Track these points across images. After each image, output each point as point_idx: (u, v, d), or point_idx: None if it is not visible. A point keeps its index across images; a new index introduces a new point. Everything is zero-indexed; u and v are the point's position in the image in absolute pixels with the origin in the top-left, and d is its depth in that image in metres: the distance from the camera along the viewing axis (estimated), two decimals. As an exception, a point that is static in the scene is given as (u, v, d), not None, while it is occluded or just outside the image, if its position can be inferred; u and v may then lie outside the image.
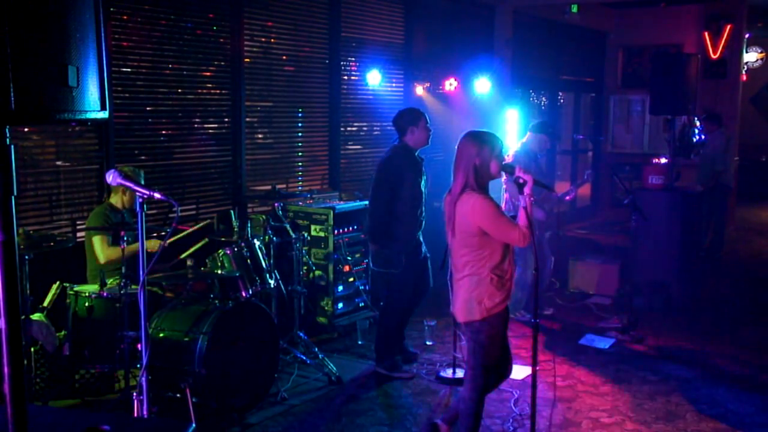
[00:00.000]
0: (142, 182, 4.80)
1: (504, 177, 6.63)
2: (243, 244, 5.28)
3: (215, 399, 4.61)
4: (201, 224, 5.46)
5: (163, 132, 6.17)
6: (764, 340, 6.65)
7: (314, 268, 6.40)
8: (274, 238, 5.73)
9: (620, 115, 12.99)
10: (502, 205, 7.02)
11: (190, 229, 5.44)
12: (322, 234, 6.42)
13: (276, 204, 5.97)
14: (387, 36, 8.30)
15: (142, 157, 5.96)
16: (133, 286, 4.54)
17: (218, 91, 6.55)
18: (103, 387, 4.89)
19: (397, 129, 5.56)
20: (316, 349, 5.68)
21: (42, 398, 4.66)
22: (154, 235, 5.18)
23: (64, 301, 4.76)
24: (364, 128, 8.34)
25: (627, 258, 7.85)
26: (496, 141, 3.91)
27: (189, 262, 4.88)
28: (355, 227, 6.66)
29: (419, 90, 8.53)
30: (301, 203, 6.60)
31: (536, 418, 4.08)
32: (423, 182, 5.54)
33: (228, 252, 5.19)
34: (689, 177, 10.11)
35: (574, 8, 10.72)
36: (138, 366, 4.39)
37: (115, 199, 5.13)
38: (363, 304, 6.71)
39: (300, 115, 7.42)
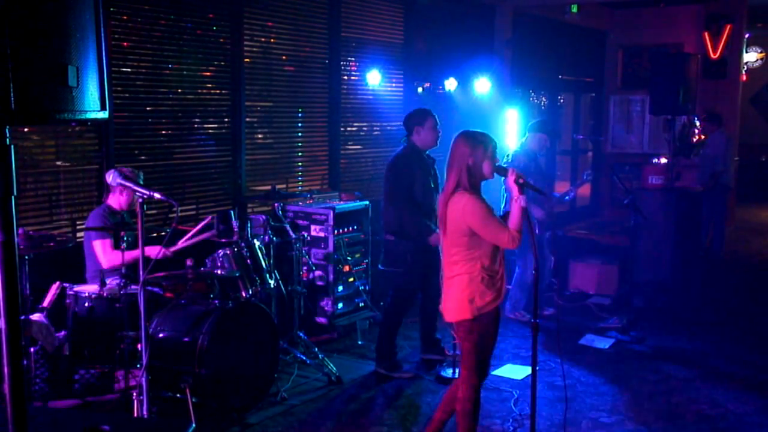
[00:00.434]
0: (141, 183, 4.79)
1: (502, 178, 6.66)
2: (243, 244, 5.28)
3: (215, 399, 4.61)
4: (201, 224, 5.44)
5: (163, 132, 6.17)
6: (764, 340, 6.65)
7: (314, 268, 6.40)
8: (274, 239, 5.73)
9: (620, 115, 12.99)
10: (502, 205, 7.01)
11: (192, 231, 5.43)
12: (321, 234, 6.42)
13: (276, 204, 5.97)
14: (387, 36, 8.29)
15: (142, 157, 5.96)
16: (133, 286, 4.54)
17: (218, 91, 6.55)
18: (103, 387, 4.88)
19: (405, 129, 5.62)
20: (316, 349, 5.68)
21: (42, 398, 4.66)
22: (153, 234, 5.18)
23: (64, 301, 4.76)
24: (364, 128, 8.34)
25: (627, 258, 7.84)
26: (490, 141, 3.92)
27: (189, 262, 4.88)
28: (355, 227, 6.66)
29: (419, 90, 8.53)
30: (301, 203, 6.60)
31: (536, 417, 4.09)
32: (431, 181, 5.56)
33: (228, 252, 5.19)
34: (689, 177, 10.11)
35: (574, 8, 10.71)
36: (138, 366, 4.39)
37: (113, 201, 5.13)
38: (363, 304, 6.71)
39: (300, 115, 7.42)
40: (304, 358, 5.57)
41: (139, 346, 4.17)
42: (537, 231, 6.84)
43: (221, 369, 4.63)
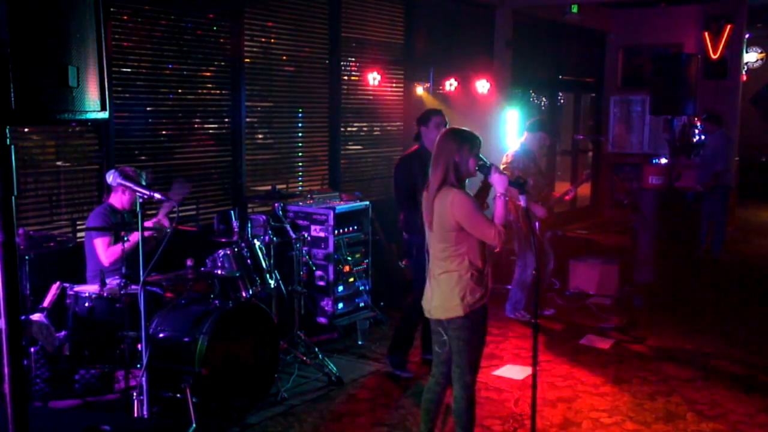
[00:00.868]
0: (143, 183, 4.79)
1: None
2: (243, 245, 5.28)
3: (215, 399, 4.61)
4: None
5: (164, 132, 6.17)
6: (764, 340, 6.65)
7: (314, 268, 6.40)
8: (275, 239, 5.73)
9: (620, 116, 12.99)
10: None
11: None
12: (322, 234, 6.42)
13: (276, 204, 5.97)
14: (387, 36, 8.30)
15: (143, 158, 5.96)
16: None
17: (218, 92, 6.55)
18: (104, 387, 4.88)
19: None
20: (316, 350, 5.68)
21: (42, 398, 4.66)
22: (155, 235, 5.17)
23: (65, 301, 4.76)
24: (364, 128, 8.34)
25: (627, 258, 7.85)
26: (476, 139, 3.96)
27: (189, 263, 4.88)
28: (356, 227, 6.66)
29: (419, 90, 8.53)
30: (301, 203, 6.60)
31: (536, 418, 4.09)
32: None
33: (228, 252, 5.19)
34: (689, 177, 10.11)
35: (574, 8, 10.72)
36: (138, 366, 4.39)
37: (115, 200, 5.13)
38: (363, 304, 6.71)
39: (300, 115, 7.42)
40: (304, 358, 5.57)
41: (139, 346, 4.17)
42: (537, 231, 6.84)
43: (221, 369, 4.63)
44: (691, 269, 7.92)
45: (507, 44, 9.61)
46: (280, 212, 6.02)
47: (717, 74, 11.95)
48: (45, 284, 4.81)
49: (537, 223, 6.76)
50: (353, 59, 7.87)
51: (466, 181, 3.97)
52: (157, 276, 4.75)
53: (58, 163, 5.48)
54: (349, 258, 6.54)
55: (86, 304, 4.67)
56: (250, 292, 5.20)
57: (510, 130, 8.81)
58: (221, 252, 5.20)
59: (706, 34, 12.05)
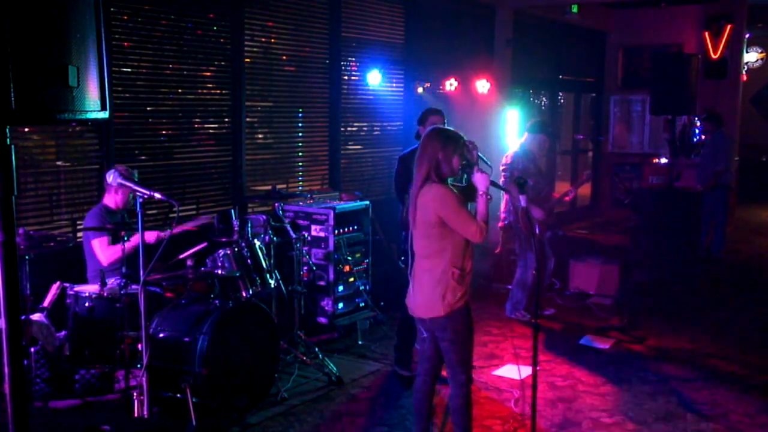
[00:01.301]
0: (137, 181, 4.80)
1: (502, 178, 6.66)
2: (243, 244, 5.28)
3: (215, 399, 4.61)
4: (201, 220, 5.43)
5: (164, 132, 6.17)
6: (764, 340, 6.65)
7: (314, 268, 6.40)
8: (275, 238, 5.73)
9: (620, 115, 12.99)
10: (502, 206, 7.03)
11: (190, 226, 5.42)
12: (322, 234, 6.42)
13: (276, 204, 5.97)
14: (387, 36, 8.30)
15: (143, 157, 5.96)
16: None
17: (218, 91, 6.55)
18: (104, 387, 4.88)
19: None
20: (317, 349, 5.68)
21: (42, 398, 4.66)
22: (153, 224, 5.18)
23: (65, 301, 4.76)
24: (365, 128, 8.34)
25: (627, 258, 7.85)
26: (459, 139, 4.00)
27: (189, 262, 4.88)
28: (356, 227, 6.66)
29: (419, 90, 8.54)
30: (301, 203, 6.60)
31: (537, 417, 4.09)
32: None
33: (228, 252, 5.19)
34: (689, 177, 10.11)
35: (575, 8, 10.71)
36: (138, 366, 4.39)
37: (108, 200, 5.13)
38: (363, 304, 6.71)
39: (300, 115, 7.42)
40: (304, 358, 5.57)
41: (139, 346, 4.17)
42: (537, 231, 6.84)
43: (221, 369, 4.63)
44: (691, 269, 7.91)
45: (507, 44, 9.61)
46: (281, 212, 6.02)
47: (717, 74, 11.95)
48: (45, 284, 4.81)
49: (537, 224, 6.76)
50: (353, 59, 7.87)
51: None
52: (157, 276, 4.75)
53: (58, 162, 5.48)
54: (349, 258, 6.53)
55: (86, 304, 4.67)
56: (250, 292, 5.20)
57: (510, 130, 8.81)
58: (221, 252, 5.20)
59: (707, 33, 12.05)
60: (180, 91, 6.21)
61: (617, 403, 5.15)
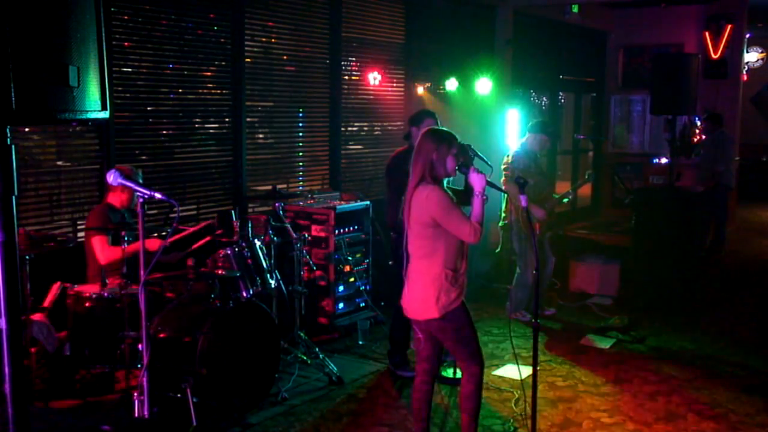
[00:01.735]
0: (141, 181, 4.80)
1: (503, 178, 6.66)
2: (244, 244, 5.28)
3: (216, 399, 4.61)
4: (202, 225, 5.45)
5: (164, 132, 6.17)
6: (765, 340, 6.64)
7: (315, 268, 6.40)
8: (275, 239, 5.73)
9: (621, 115, 12.99)
10: (503, 206, 7.02)
11: (192, 230, 5.43)
12: (322, 234, 6.42)
13: (277, 204, 5.97)
14: (388, 36, 8.29)
15: (143, 157, 5.96)
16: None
17: (219, 91, 6.55)
18: (104, 387, 4.88)
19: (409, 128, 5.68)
20: (317, 349, 5.68)
21: (42, 398, 4.66)
22: (155, 234, 5.18)
23: (65, 301, 4.76)
24: (365, 128, 8.34)
25: (627, 258, 7.85)
26: (454, 140, 4.01)
27: (190, 263, 4.88)
28: (356, 227, 6.66)
29: (420, 90, 8.53)
30: (301, 203, 6.60)
31: (537, 417, 4.09)
32: None
33: (229, 252, 5.19)
34: (690, 177, 10.11)
35: (575, 8, 10.71)
36: (139, 366, 4.39)
37: (113, 199, 5.13)
38: (363, 304, 6.71)
39: (301, 115, 7.42)
40: (304, 358, 5.57)
41: (139, 346, 4.17)
42: (538, 231, 6.84)
43: (222, 369, 4.63)
44: (692, 269, 7.90)
45: (507, 44, 9.61)
46: (281, 212, 6.02)
47: (717, 74, 11.95)
48: (45, 284, 4.81)
49: (537, 224, 6.76)
50: (354, 59, 7.86)
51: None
52: (158, 276, 4.75)
53: (59, 162, 5.48)
54: (350, 258, 6.53)
55: (87, 304, 4.67)
56: (251, 292, 5.20)
57: (510, 130, 8.80)
58: (222, 252, 5.20)
59: (707, 33, 12.05)
60: (180, 90, 6.21)
61: (617, 404, 5.15)
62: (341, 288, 6.49)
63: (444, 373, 5.60)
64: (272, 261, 5.57)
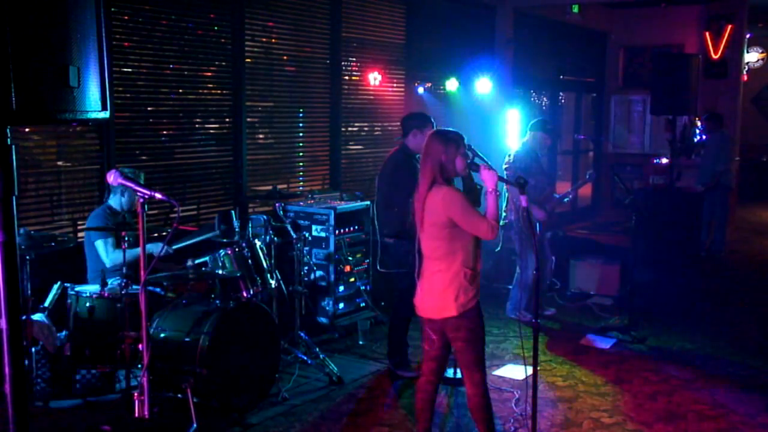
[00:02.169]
0: (142, 182, 4.80)
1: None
2: (244, 245, 5.28)
3: (216, 399, 4.61)
4: (207, 234, 5.45)
5: (164, 132, 6.17)
6: (765, 340, 6.64)
7: (315, 268, 6.40)
8: (275, 239, 5.73)
9: (621, 115, 12.98)
10: (504, 205, 7.02)
11: (197, 238, 5.42)
12: (323, 234, 6.42)
13: (277, 204, 5.97)
14: (388, 36, 8.29)
15: (143, 158, 5.96)
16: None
17: (219, 92, 6.55)
18: (104, 387, 4.89)
19: (402, 128, 5.65)
20: (317, 350, 5.68)
21: (43, 398, 4.66)
22: (155, 234, 5.17)
23: (65, 301, 4.76)
24: (365, 128, 8.34)
25: (628, 258, 7.84)
26: (461, 139, 4.03)
27: (190, 263, 4.88)
28: (356, 227, 6.65)
29: (420, 90, 8.53)
30: (302, 203, 6.60)
31: (537, 418, 4.09)
32: None
33: (229, 252, 5.19)
34: (690, 177, 10.10)
35: (575, 8, 10.71)
36: (139, 366, 4.39)
37: (114, 200, 5.13)
38: (364, 304, 6.71)
39: (301, 115, 7.42)
40: (305, 358, 5.57)
41: (140, 346, 4.16)
42: (538, 231, 6.84)
43: (222, 369, 4.63)
44: (692, 269, 7.90)
45: (508, 44, 9.61)
46: (281, 212, 6.02)
47: (718, 74, 11.95)
48: (46, 284, 4.81)
49: (537, 223, 6.76)
50: (354, 59, 7.86)
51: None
52: (158, 276, 4.76)
53: (59, 163, 5.48)
54: (350, 258, 6.53)
55: (87, 304, 4.67)
56: (251, 292, 5.20)
57: (511, 130, 8.81)
58: (222, 252, 5.20)
59: (707, 34, 12.05)
60: (181, 91, 6.21)
61: (618, 404, 5.15)
62: (341, 288, 6.49)
63: (445, 374, 5.59)
64: (272, 261, 5.57)
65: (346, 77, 7.75)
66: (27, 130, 5.18)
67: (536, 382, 3.98)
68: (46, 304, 4.75)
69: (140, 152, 5.94)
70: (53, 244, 4.61)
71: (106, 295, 4.66)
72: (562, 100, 12.78)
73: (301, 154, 7.48)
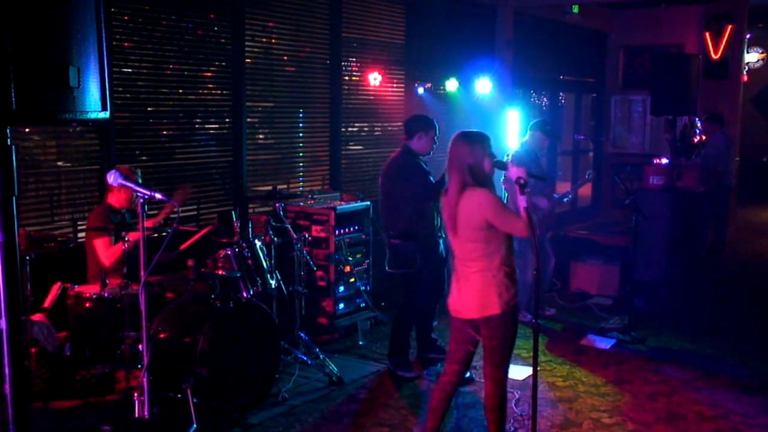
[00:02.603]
0: (140, 181, 4.80)
1: (503, 178, 6.67)
2: (244, 245, 5.28)
3: (216, 399, 4.61)
4: (205, 230, 5.44)
5: (164, 132, 6.17)
6: (765, 340, 6.64)
7: (315, 268, 6.39)
8: (275, 239, 5.73)
9: (621, 116, 12.98)
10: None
11: (197, 236, 5.42)
12: (323, 234, 6.42)
13: (277, 204, 5.97)
14: (388, 36, 8.29)
15: (143, 158, 5.96)
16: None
17: (219, 92, 6.55)
18: (104, 387, 4.89)
19: (406, 130, 5.70)
20: (317, 350, 5.68)
21: (43, 399, 4.66)
22: (155, 235, 5.17)
23: (65, 301, 4.76)
24: (365, 129, 8.34)
25: (628, 258, 7.84)
26: (486, 139, 4.04)
27: (190, 263, 4.88)
28: (356, 228, 6.65)
29: (420, 90, 8.53)
30: (302, 204, 6.60)
31: (537, 418, 4.08)
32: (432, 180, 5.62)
33: (229, 252, 5.19)
34: (690, 177, 10.09)
35: (575, 8, 10.70)
36: (139, 366, 4.39)
37: (113, 199, 5.13)
38: (364, 304, 6.71)
39: (301, 115, 7.42)
40: (305, 358, 5.57)
41: (140, 346, 4.17)
42: (538, 231, 6.83)
43: (222, 369, 4.63)
44: (692, 269, 7.90)
45: (508, 44, 9.61)
46: (281, 212, 6.02)
47: (718, 74, 11.95)
48: (46, 284, 4.81)
49: (537, 223, 6.76)
50: (354, 59, 7.86)
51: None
52: (158, 276, 4.75)
53: (59, 163, 5.48)
54: (350, 258, 6.53)
55: (87, 305, 4.67)
56: (251, 293, 5.20)
57: (511, 131, 8.80)
58: (222, 252, 5.20)
59: (707, 34, 12.04)
60: (181, 91, 6.21)
61: (618, 404, 5.15)
62: (341, 288, 6.49)
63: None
64: (272, 261, 5.57)
65: (346, 77, 7.75)
66: (27, 130, 5.18)
67: (536, 382, 3.98)
68: (46, 304, 4.75)
69: (140, 152, 5.94)
70: (53, 244, 4.62)
71: (106, 295, 4.66)
72: (562, 101, 12.78)
73: (301, 154, 7.48)
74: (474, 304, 3.97)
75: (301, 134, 7.46)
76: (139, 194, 3.82)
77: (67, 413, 4.62)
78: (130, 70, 5.77)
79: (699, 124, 10.99)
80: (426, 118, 5.81)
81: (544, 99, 12.23)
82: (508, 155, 6.94)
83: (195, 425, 4.37)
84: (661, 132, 11.36)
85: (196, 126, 6.41)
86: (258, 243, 5.43)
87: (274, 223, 5.88)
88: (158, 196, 3.81)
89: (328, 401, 5.14)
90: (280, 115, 7.20)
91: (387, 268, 5.82)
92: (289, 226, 5.90)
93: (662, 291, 7.41)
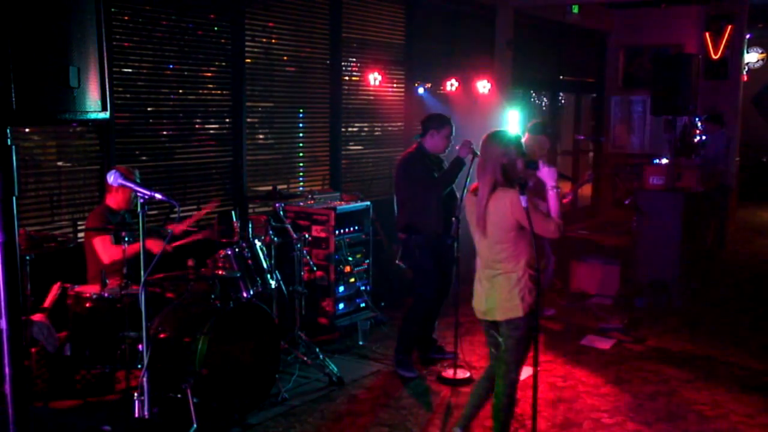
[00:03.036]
0: (138, 181, 4.80)
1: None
2: (244, 245, 5.28)
3: (216, 399, 4.61)
4: (204, 234, 5.44)
5: (164, 132, 6.18)
6: (765, 340, 6.64)
7: (315, 268, 6.40)
8: (275, 239, 5.73)
9: (621, 116, 12.98)
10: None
11: (195, 237, 5.41)
12: (323, 234, 6.42)
13: (277, 204, 5.97)
14: (388, 36, 8.29)
15: (143, 158, 5.96)
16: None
17: (219, 92, 6.55)
18: (104, 387, 4.88)
19: (422, 128, 5.76)
20: (317, 350, 5.68)
21: (43, 399, 4.66)
22: (158, 225, 5.17)
23: (65, 301, 4.76)
24: (365, 129, 8.34)
25: (628, 258, 7.85)
26: (519, 139, 4.09)
27: (190, 263, 4.88)
28: (356, 228, 6.65)
29: (420, 90, 8.53)
30: (302, 204, 6.60)
31: (537, 418, 4.08)
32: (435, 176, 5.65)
33: (229, 252, 5.19)
34: (690, 177, 10.09)
35: (575, 9, 10.71)
36: (139, 366, 4.39)
37: (111, 200, 5.13)
38: (364, 304, 6.71)
39: (301, 115, 7.42)
40: (305, 358, 5.57)
41: (140, 346, 4.17)
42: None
43: (222, 369, 4.63)
44: (692, 269, 7.90)
45: (508, 44, 9.60)
46: (281, 212, 6.02)
47: (718, 74, 11.95)
48: (46, 284, 4.81)
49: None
50: (354, 59, 7.87)
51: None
52: (158, 276, 4.75)
53: (59, 163, 5.48)
54: (350, 258, 6.53)
55: (87, 305, 4.67)
56: (251, 293, 5.20)
57: (511, 131, 8.80)
58: (222, 252, 5.20)
59: (707, 34, 12.05)
60: (181, 91, 6.21)
61: (618, 404, 5.15)
62: (341, 288, 6.49)
63: (445, 374, 5.60)
64: (272, 261, 5.57)
65: (346, 78, 7.75)
66: (27, 130, 5.18)
67: (536, 382, 3.98)
68: (46, 304, 4.75)
69: (140, 152, 5.95)
70: (53, 244, 4.61)
71: (106, 295, 4.66)
72: (562, 101, 12.78)
73: (301, 154, 7.48)
74: (497, 307, 3.99)
75: (301, 134, 7.46)
76: (139, 194, 3.82)
77: (67, 413, 4.62)
78: (130, 70, 5.77)
79: (699, 124, 11.00)
80: (440, 116, 5.81)
81: (544, 99, 12.24)
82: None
83: (195, 425, 4.37)
84: (661, 132, 11.37)
85: (196, 126, 6.42)
86: (258, 243, 5.43)
87: (274, 223, 5.88)
88: (158, 196, 3.81)
89: (328, 401, 5.14)
90: (280, 115, 7.20)
91: (397, 262, 5.85)
92: (289, 226, 5.90)
93: (662, 291, 7.41)
